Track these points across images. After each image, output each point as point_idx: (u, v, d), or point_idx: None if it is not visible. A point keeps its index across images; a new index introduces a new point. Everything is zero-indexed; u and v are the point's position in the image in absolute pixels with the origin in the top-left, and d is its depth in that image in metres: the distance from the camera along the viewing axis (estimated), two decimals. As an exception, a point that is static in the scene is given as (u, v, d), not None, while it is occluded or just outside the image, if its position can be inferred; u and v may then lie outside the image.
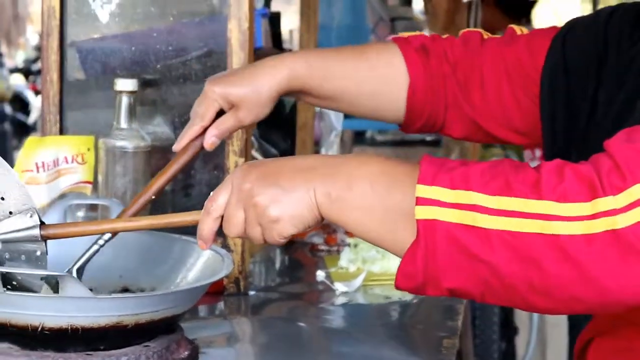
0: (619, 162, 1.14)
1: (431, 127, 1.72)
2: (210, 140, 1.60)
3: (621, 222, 1.11)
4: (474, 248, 1.16)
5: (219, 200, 1.33)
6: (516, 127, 1.68)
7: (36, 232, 1.52)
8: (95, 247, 1.57)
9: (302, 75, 1.64)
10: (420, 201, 1.18)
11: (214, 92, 1.60)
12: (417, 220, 1.18)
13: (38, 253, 1.54)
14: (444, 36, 1.73)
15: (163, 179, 1.61)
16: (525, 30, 1.70)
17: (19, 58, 19.55)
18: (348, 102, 1.70)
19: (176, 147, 1.62)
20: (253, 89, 1.61)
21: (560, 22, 1.70)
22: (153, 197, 1.59)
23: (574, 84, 1.54)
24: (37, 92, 15.75)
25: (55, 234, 1.54)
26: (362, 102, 1.70)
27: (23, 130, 15.26)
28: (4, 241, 1.51)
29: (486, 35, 1.71)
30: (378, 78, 1.68)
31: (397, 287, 1.24)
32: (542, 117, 1.59)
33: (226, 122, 1.61)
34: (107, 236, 1.56)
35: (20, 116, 15.12)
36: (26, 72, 17.22)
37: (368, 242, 1.30)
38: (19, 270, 1.53)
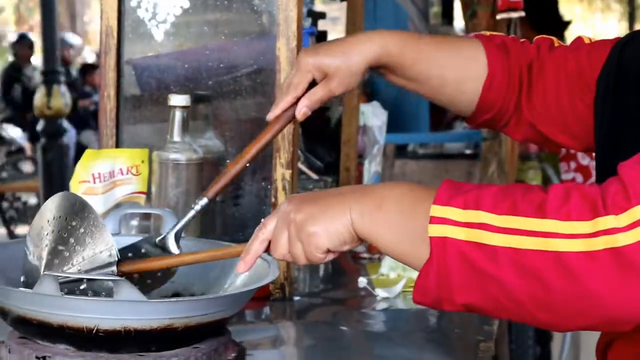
0: (627, 183, 1.14)
1: (497, 123, 1.71)
2: (302, 111, 1.60)
3: (622, 240, 1.12)
4: (482, 264, 1.18)
5: (268, 226, 1.37)
6: (573, 132, 1.66)
7: (113, 268, 1.55)
8: (192, 212, 1.63)
9: (394, 53, 1.63)
10: (434, 220, 1.20)
11: (308, 63, 1.60)
12: (430, 238, 1.20)
13: None
14: (521, 40, 1.72)
15: (257, 147, 1.63)
16: (591, 39, 1.69)
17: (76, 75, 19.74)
18: (429, 87, 1.68)
19: (270, 117, 1.63)
20: (346, 59, 1.60)
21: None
22: (247, 164, 1.63)
23: (626, 93, 1.52)
24: (94, 108, 15.93)
25: (129, 270, 1.57)
26: (442, 89, 1.69)
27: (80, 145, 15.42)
28: (88, 279, 1.54)
29: (557, 43, 1.70)
30: (461, 68, 1.67)
31: (415, 302, 1.26)
32: (595, 124, 1.58)
33: (318, 92, 1.60)
34: (204, 201, 1.62)
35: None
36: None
37: (395, 259, 1.32)
38: (77, 275, 1.54)
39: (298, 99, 1.60)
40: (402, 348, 1.76)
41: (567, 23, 5.08)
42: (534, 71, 1.67)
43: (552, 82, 1.65)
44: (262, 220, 1.40)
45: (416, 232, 1.25)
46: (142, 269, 1.61)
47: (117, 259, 1.55)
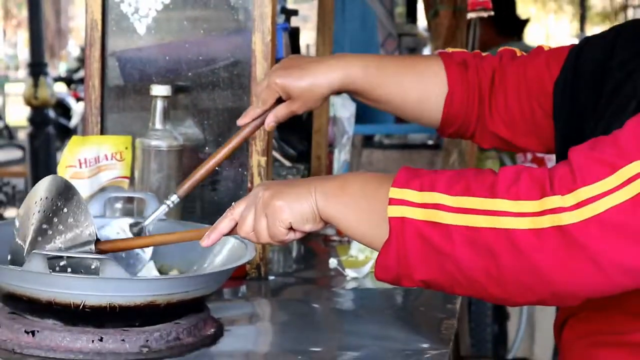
0: (574, 166, 1.16)
1: (463, 134, 1.73)
2: (270, 125, 1.67)
3: (567, 219, 1.14)
4: (438, 242, 1.20)
5: (237, 208, 1.42)
6: (535, 136, 1.68)
7: (92, 246, 1.56)
8: (164, 207, 1.69)
9: (356, 79, 1.65)
10: (392, 202, 1.23)
11: (277, 84, 1.63)
12: (389, 218, 1.22)
13: (93, 266, 1.57)
14: (484, 54, 1.74)
15: (227, 149, 1.69)
16: (551, 47, 1.70)
17: (61, 68, 19.67)
18: (393, 107, 1.71)
19: (240, 122, 1.69)
20: (310, 85, 1.63)
21: (549, 40, 1.69)
22: (217, 166, 1.71)
23: (582, 95, 1.53)
24: (77, 99, 15.84)
25: (106, 248, 1.58)
26: (406, 108, 1.71)
27: (65, 133, 15.35)
28: (68, 256, 1.55)
29: (520, 53, 1.72)
30: (422, 88, 1.69)
31: (377, 279, 1.29)
32: (555, 126, 1.59)
33: (282, 110, 1.66)
34: (175, 198, 1.68)
35: (62, 120, 15.19)
36: (68, 81, 17.32)
37: (355, 240, 1.35)
38: (65, 254, 1.54)
39: (265, 112, 1.66)
40: (370, 324, 1.76)
41: (526, 21, 5.10)
42: (496, 81, 1.68)
43: (513, 90, 1.66)
44: (233, 203, 1.43)
45: (376, 213, 1.27)
46: (119, 248, 1.64)
47: (95, 238, 1.56)
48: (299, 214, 1.34)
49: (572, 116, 1.52)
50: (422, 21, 5.96)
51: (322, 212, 1.33)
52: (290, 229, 1.36)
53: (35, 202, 1.57)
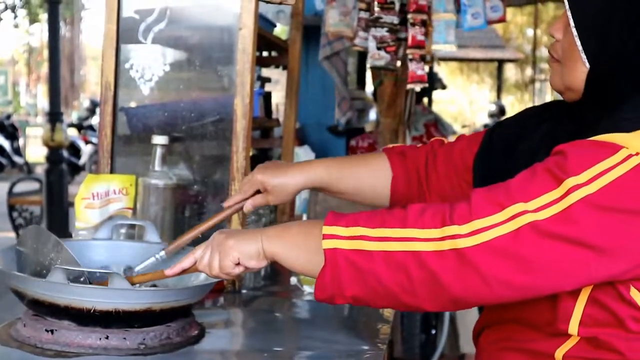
0: (472, 203, 1.22)
1: None
2: (247, 208, 1.71)
3: (462, 243, 1.19)
4: (363, 265, 1.25)
5: (198, 250, 1.47)
6: None
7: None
8: (152, 259, 1.67)
9: (321, 178, 1.69)
10: (325, 236, 1.28)
11: (257, 180, 1.68)
12: (324, 250, 1.27)
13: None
14: (419, 145, 1.77)
15: (213, 221, 1.70)
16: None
17: (73, 116, 19.54)
18: (351, 195, 1.73)
19: (225, 204, 1.72)
20: (283, 183, 1.67)
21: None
22: (199, 236, 1.70)
23: (494, 164, 1.56)
24: (86, 142, 15.73)
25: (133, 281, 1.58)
26: (361, 195, 1.74)
27: (75, 169, 15.23)
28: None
29: (447, 141, 1.74)
30: (373, 177, 1.72)
31: (316, 298, 1.33)
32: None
33: (259, 199, 1.70)
34: (163, 254, 1.68)
35: (73, 159, 15.09)
36: (79, 126, 17.19)
37: (295, 270, 1.38)
38: (80, 269, 1.55)
39: (245, 199, 1.70)
40: (321, 330, 1.77)
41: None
42: (429, 164, 1.71)
43: (443, 169, 1.68)
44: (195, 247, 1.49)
45: (312, 247, 1.31)
46: (139, 281, 1.60)
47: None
48: (246, 252, 1.39)
49: (487, 181, 1.57)
50: (369, 87, 6.03)
51: (267, 251, 1.38)
52: (238, 264, 1.41)
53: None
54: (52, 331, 1.49)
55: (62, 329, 1.49)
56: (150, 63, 2.10)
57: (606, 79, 1.33)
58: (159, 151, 1.97)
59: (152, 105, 2.11)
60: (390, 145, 1.79)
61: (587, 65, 1.34)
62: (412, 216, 1.25)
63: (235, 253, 1.40)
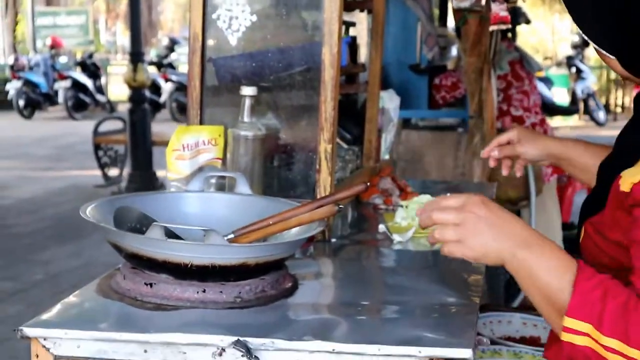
0: None
1: None
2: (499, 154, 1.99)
3: None
4: None
5: (449, 202, 1.35)
6: None
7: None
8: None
9: (579, 155, 1.87)
10: (566, 329, 1.20)
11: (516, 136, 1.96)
12: (562, 342, 1.21)
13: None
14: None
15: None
16: None
17: (152, 54, 19.73)
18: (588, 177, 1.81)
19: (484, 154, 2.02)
20: (536, 138, 1.97)
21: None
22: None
23: None
24: (166, 80, 15.90)
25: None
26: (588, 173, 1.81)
27: (156, 107, 15.47)
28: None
29: None
30: None
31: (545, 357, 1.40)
32: None
33: (508, 150, 1.98)
34: (230, 235, 1.60)
35: (154, 97, 15.31)
36: (158, 64, 17.37)
37: (534, 296, 1.29)
38: (179, 226, 1.58)
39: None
40: (409, 280, 1.76)
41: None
42: None
43: None
44: (449, 194, 1.38)
45: (552, 301, 1.25)
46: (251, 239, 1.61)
47: None
48: (482, 256, 1.31)
49: None
50: (451, 23, 5.92)
51: (508, 267, 1.29)
52: (458, 241, 1.32)
53: None
54: (151, 284, 1.52)
55: (160, 283, 1.52)
56: (237, 13, 2.10)
57: (637, 61, 1.34)
58: (247, 102, 1.98)
59: (239, 56, 2.11)
60: None
61: (611, 56, 1.36)
62: None
63: (468, 253, 1.31)
